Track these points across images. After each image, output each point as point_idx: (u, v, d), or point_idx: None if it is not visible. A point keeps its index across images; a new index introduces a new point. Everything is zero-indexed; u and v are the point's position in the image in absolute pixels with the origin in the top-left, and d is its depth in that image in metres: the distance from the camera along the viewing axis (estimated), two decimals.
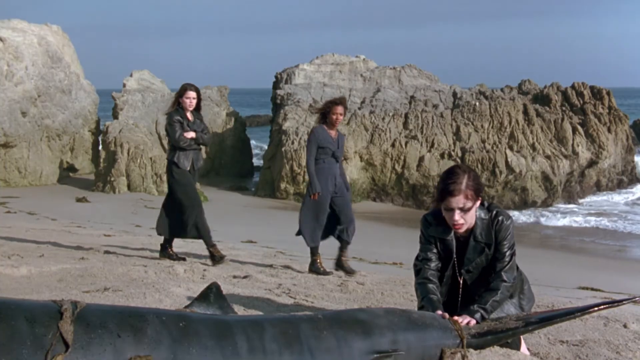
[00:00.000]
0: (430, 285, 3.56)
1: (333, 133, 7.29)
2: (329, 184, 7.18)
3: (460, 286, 3.61)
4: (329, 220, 7.28)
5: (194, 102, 7.41)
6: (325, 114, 7.28)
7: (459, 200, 3.39)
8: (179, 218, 7.49)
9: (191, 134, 7.38)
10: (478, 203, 3.49)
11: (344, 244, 7.33)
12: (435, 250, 3.62)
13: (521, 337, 3.58)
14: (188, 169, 7.44)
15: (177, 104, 7.42)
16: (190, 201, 7.49)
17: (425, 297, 3.52)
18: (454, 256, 3.59)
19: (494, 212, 3.55)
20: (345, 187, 7.35)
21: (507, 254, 3.53)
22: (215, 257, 7.39)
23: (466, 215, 3.44)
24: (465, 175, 3.41)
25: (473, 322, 3.39)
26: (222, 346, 2.66)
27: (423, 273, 3.61)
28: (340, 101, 7.33)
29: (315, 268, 7.25)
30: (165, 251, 7.70)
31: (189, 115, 7.42)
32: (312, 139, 7.23)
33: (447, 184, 3.42)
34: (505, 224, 3.53)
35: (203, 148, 7.68)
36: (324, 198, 7.17)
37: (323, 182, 7.15)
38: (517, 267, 3.65)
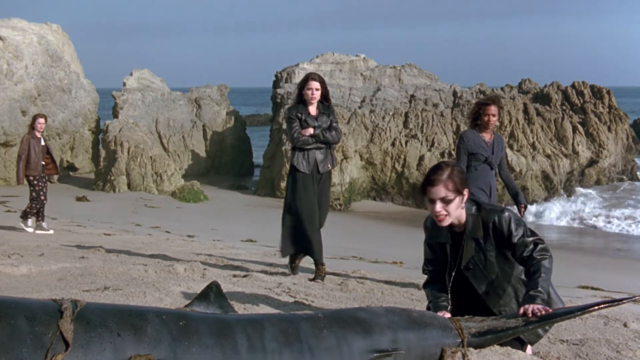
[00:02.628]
0: (437, 288, 3.63)
1: (487, 137, 6.41)
2: (480, 194, 6.30)
3: (450, 284, 3.60)
4: None
5: (317, 93, 6.39)
6: (477, 116, 6.41)
7: (439, 191, 3.40)
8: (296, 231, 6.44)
9: (309, 131, 6.37)
10: (462, 198, 3.47)
11: None
12: (437, 253, 3.66)
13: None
14: (309, 172, 6.37)
15: (300, 97, 6.48)
16: (295, 210, 6.40)
17: (431, 301, 3.61)
18: (449, 257, 3.60)
19: (486, 210, 3.52)
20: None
21: (526, 240, 3.46)
22: (319, 276, 6.48)
23: (448, 208, 3.42)
24: (448, 169, 3.45)
25: (541, 308, 3.34)
26: (222, 345, 2.66)
27: (429, 277, 3.71)
28: (493, 100, 6.42)
29: None
30: (291, 266, 6.72)
31: (311, 109, 6.43)
32: (460, 145, 6.41)
33: (428, 175, 3.47)
34: (503, 219, 3.48)
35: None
36: None
37: (474, 192, 6.11)
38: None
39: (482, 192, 6.33)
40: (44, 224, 10.89)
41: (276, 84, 26.53)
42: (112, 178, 21.02)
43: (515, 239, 3.47)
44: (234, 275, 6.19)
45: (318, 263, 6.49)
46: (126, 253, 7.80)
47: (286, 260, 6.92)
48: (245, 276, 6.16)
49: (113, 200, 19.00)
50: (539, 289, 3.39)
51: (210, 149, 26.61)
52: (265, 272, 6.73)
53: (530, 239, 3.48)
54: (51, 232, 10.74)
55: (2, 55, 21.11)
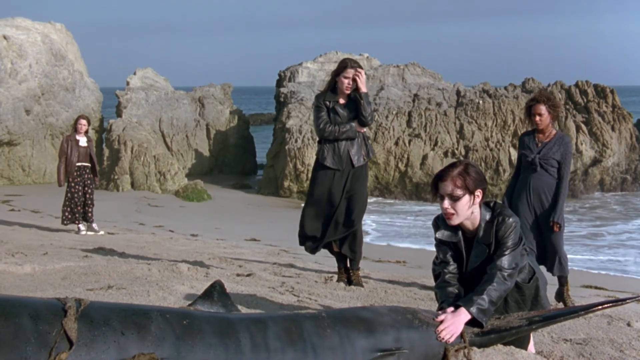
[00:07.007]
0: (450, 289, 3.44)
1: (542, 137, 5.85)
2: (523, 201, 5.83)
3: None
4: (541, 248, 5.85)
5: (354, 84, 5.76)
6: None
7: (446, 186, 3.36)
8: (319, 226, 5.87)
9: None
10: (474, 198, 3.40)
11: (561, 279, 5.98)
12: (451, 253, 3.53)
13: (530, 335, 3.56)
14: (340, 168, 5.80)
15: (333, 84, 5.83)
16: (313, 209, 5.87)
17: (444, 301, 3.42)
18: (465, 259, 3.51)
19: (497, 212, 3.46)
20: (548, 210, 5.78)
21: (508, 249, 3.38)
22: (353, 282, 6.03)
23: (456, 206, 3.37)
24: (461, 166, 3.42)
25: (447, 332, 3.23)
26: (226, 344, 2.66)
27: (442, 276, 3.51)
28: (539, 98, 5.87)
29: (562, 299, 6.00)
30: (339, 274, 6.17)
31: (342, 98, 5.81)
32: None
33: (440, 170, 3.47)
34: (507, 223, 3.41)
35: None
36: (522, 218, 5.68)
37: (515, 198, 5.90)
38: (534, 272, 3.51)
39: (523, 198, 5.84)
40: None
41: (279, 83, 26.54)
42: (116, 177, 21.05)
43: (505, 245, 3.39)
44: (238, 275, 6.19)
45: (352, 268, 6.05)
46: (130, 252, 7.81)
47: (288, 259, 6.91)
48: (248, 275, 6.16)
49: (116, 199, 19.03)
50: (484, 296, 3.29)
51: (213, 148, 26.62)
52: (269, 271, 6.74)
53: (509, 249, 3.38)
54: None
55: (6, 55, 21.15)
